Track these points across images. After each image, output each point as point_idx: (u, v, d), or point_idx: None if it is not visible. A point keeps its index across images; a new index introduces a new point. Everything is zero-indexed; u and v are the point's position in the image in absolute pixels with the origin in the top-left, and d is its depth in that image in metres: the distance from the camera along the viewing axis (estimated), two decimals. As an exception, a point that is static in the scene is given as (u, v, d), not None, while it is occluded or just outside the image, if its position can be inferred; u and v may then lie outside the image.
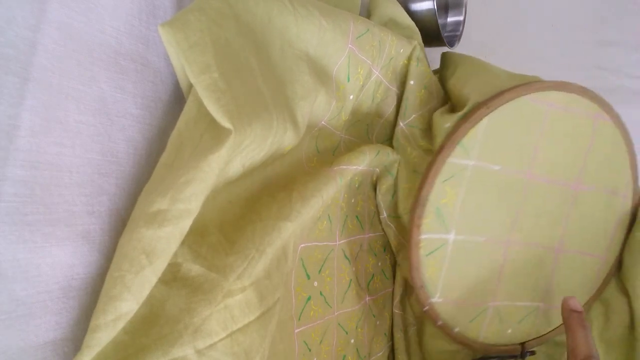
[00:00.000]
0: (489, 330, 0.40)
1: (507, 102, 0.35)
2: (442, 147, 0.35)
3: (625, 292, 0.42)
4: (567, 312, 0.36)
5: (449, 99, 0.42)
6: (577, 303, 0.36)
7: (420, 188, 0.35)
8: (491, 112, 0.35)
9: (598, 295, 0.42)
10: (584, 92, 0.37)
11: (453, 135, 0.35)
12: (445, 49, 0.52)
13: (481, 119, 0.35)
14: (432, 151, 0.37)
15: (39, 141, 0.18)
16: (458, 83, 0.41)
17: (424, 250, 0.36)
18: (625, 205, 0.41)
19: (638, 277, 0.40)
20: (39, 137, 0.18)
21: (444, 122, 0.36)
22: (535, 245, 0.39)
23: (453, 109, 0.38)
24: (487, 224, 0.37)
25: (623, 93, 0.71)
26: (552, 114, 0.36)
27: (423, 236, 0.35)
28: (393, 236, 0.42)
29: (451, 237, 0.36)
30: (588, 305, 0.42)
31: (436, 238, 0.36)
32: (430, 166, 0.35)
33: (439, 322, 0.38)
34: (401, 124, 0.41)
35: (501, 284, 0.39)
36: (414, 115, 0.40)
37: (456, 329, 0.39)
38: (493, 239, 0.37)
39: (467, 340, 0.39)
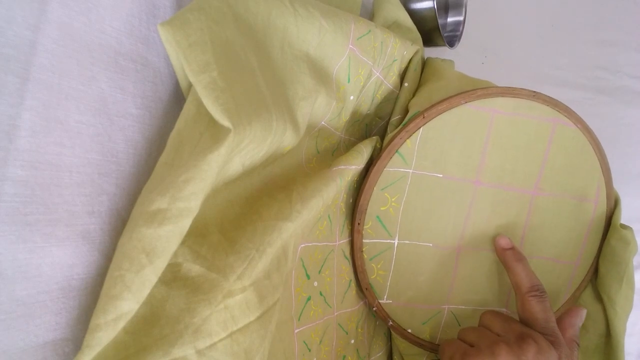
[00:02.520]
0: (446, 332, 0.40)
1: (445, 111, 0.35)
2: (379, 156, 0.35)
3: (601, 300, 0.41)
4: (501, 251, 0.37)
5: None
6: (508, 240, 0.37)
7: (358, 196, 0.36)
8: (428, 121, 0.35)
9: (572, 301, 0.42)
10: (535, 96, 0.36)
11: (390, 144, 0.35)
12: (445, 49, 0.53)
13: (418, 129, 0.35)
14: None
15: (39, 141, 0.18)
16: (413, 92, 0.41)
17: (367, 254, 0.37)
18: (598, 210, 0.40)
19: (612, 286, 0.40)
20: (39, 137, 0.18)
21: (389, 131, 0.37)
22: (491, 251, 0.38)
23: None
24: (434, 230, 0.37)
25: (623, 93, 0.71)
26: (499, 120, 0.36)
27: (365, 240, 0.37)
28: None
29: (395, 242, 0.37)
30: (561, 311, 0.41)
31: (379, 242, 0.37)
32: (368, 174, 0.36)
33: (390, 323, 0.39)
34: (390, 120, 0.42)
35: (455, 288, 0.39)
36: (398, 116, 0.41)
37: (409, 330, 0.39)
38: (441, 245, 0.38)
39: (421, 342, 0.39)
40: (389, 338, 0.44)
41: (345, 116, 0.36)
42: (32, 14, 0.18)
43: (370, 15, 0.46)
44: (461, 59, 0.53)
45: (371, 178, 0.35)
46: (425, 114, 0.35)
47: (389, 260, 0.37)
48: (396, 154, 0.35)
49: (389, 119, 0.42)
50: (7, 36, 0.17)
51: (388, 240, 0.37)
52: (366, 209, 0.36)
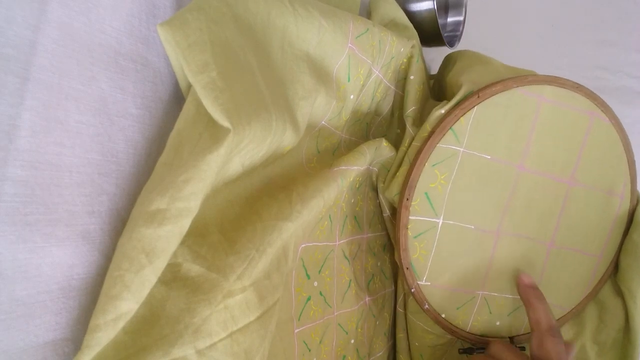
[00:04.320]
0: (477, 320, 0.40)
1: (499, 92, 0.35)
2: (432, 132, 0.35)
3: (620, 295, 0.42)
4: (523, 288, 0.37)
5: (446, 94, 0.42)
6: (531, 278, 0.38)
7: (409, 170, 0.36)
8: (482, 101, 0.35)
9: (593, 295, 0.42)
10: (578, 88, 0.37)
11: (444, 120, 0.35)
12: (446, 49, 0.53)
13: (472, 107, 0.35)
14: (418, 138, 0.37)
15: (39, 141, 0.18)
16: (455, 75, 0.41)
17: (412, 232, 0.37)
18: (623, 206, 0.41)
19: (634, 281, 0.40)
20: (39, 137, 0.18)
21: (437, 108, 0.37)
22: (527, 238, 0.39)
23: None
24: (477, 212, 0.37)
25: (623, 93, 0.71)
26: (545, 107, 0.37)
27: (412, 217, 0.36)
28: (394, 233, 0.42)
29: (440, 221, 0.37)
30: (582, 305, 0.42)
31: (424, 220, 0.37)
32: (420, 149, 0.36)
33: (425, 306, 0.38)
34: (404, 114, 0.42)
35: (490, 274, 0.39)
36: (412, 107, 0.41)
37: (443, 315, 0.39)
38: (483, 228, 0.38)
39: (454, 328, 0.39)
40: (390, 338, 0.44)
41: (346, 115, 0.36)
42: (32, 14, 0.18)
43: (367, 14, 0.46)
44: (461, 59, 0.53)
45: (424, 153, 0.35)
46: (480, 93, 0.35)
47: (431, 239, 0.37)
48: (450, 131, 0.35)
49: (401, 114, 0.42)
50: (7, 36, 0.17)
51: (433, 219, 0.37)
52: (416, 185, 0.36)
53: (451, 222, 0.37)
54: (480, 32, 0.61)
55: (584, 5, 0.71)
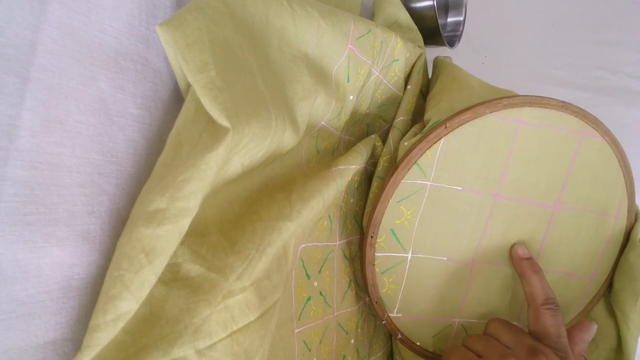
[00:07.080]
0: None
1: (470, 120, 0.33)
2: (396, 167, 0.33)
3: (613, 315, 0.40)
4: (518, 260, 0.36)
5: (423, 114, 0.40)
6: (526, 250, 0.36)
7: (373, 209, 0.34)
8: (450, 131, 0.33)
9: (584, 315, 0.41)
10: (564, 107, 0.34)
11: (408, 155, 0.33)
12: (445, 49, 0.53)
13: (439, 139, 0.33)
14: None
15: (39, 141, 0.18)
16: (430, 98, 0.40)
17: (379, 268, 0.35)
18: (617, 225, 0.38)
19: (627, 302, 0.38)
20: (39, 137, 0.18)
21: (405, 140, 0.35)
22: (505, 265, 0.37)
23: (422, 127, 0.37)
24: (449, 244, 0.36)
25: (623, 93, 0.71)
26: (523, 131, 0.34)
27: (377, 254, 0.35)
28: None
29: (409, 255, 0.35)
30: (572, 324, 0.40)
31: (392, 256, 0.35)
32: (384, 186, 0.34)
33: (399, 336, 0.38)
34: (392, 124, 0.41)
35: (467, 302, 0.37)
36: (401, 118, 0.40)
37: (418, 343, 0.38)
38: (456, 258, 0.36)
39: (430, 354, 0.39)
40: (389, 338, 0.44)
41: (345, 116, 0.36)
42: (32, 14, 0.18)
43: (370, 15, 0.46)
44: (461, 59, 0.53)
45: (387, 190, 0.33)
46: (447, 123, 0.33)
47: (401, 274, 0.36)
48: (414, 166, 0.33)
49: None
50: (7, 36, 0.17)
51: (401, 254, 0.35)
52: (380, 222, 0.34)
53: (421, 255, 0.35)
54: (480, 32, 0.61)
55: (584, 5, 0.71)
